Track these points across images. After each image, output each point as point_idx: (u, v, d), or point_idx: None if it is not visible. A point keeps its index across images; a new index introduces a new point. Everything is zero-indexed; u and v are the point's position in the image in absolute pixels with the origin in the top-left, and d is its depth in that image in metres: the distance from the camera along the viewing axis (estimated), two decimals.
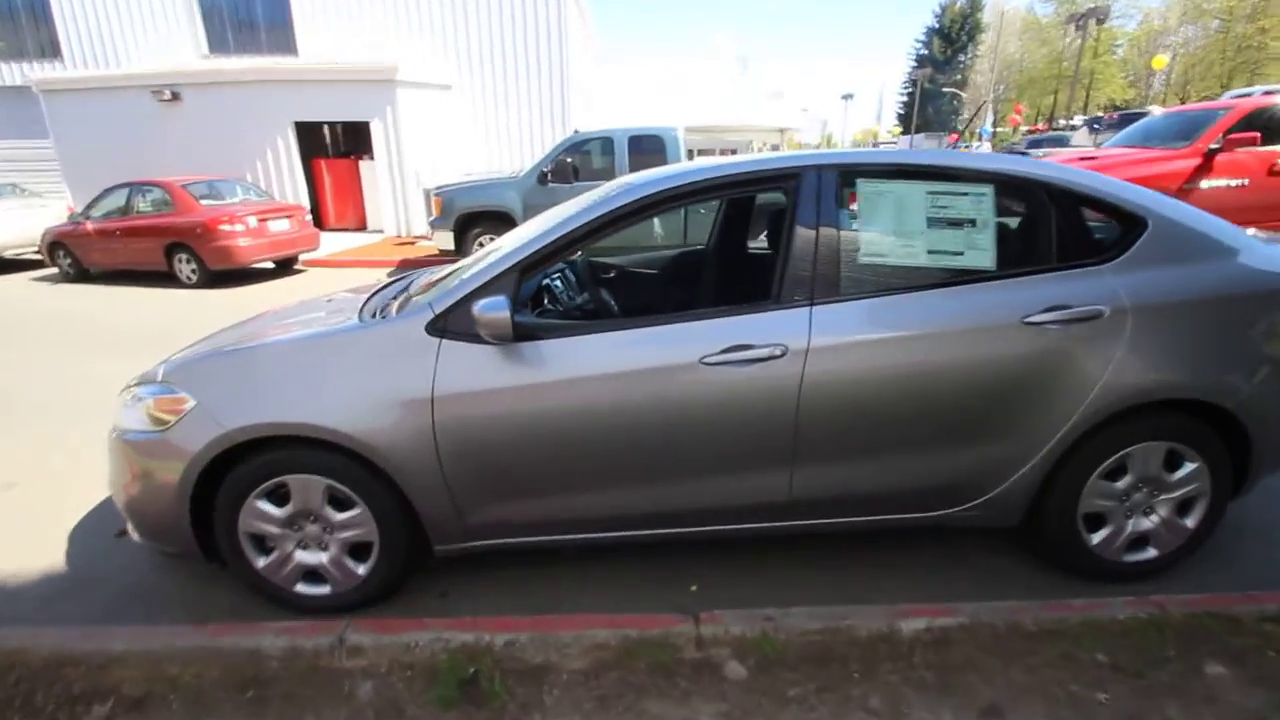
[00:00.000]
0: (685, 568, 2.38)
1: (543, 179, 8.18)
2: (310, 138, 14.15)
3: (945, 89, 47.83)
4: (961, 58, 52.10)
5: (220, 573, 2.20)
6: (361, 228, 14.21)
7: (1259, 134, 6.94)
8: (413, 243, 12.24)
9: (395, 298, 2.44)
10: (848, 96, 54.78)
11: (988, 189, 2.07)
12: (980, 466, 2.10)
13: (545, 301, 2.63)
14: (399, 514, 2.07)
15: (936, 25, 52.41)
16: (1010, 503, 2.15)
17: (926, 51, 52.60)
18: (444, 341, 1.96)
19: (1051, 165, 2.15)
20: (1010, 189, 2.11)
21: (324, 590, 2.17)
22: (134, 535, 2.21)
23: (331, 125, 15.11)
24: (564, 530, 2.15)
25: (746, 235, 3.40)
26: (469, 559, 2.23)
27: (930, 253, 2.04)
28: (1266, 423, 2.09)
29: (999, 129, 35.53)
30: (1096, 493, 2.15)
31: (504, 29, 14.47)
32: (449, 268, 2.59)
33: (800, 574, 2.34)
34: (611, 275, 3.41)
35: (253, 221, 8.71)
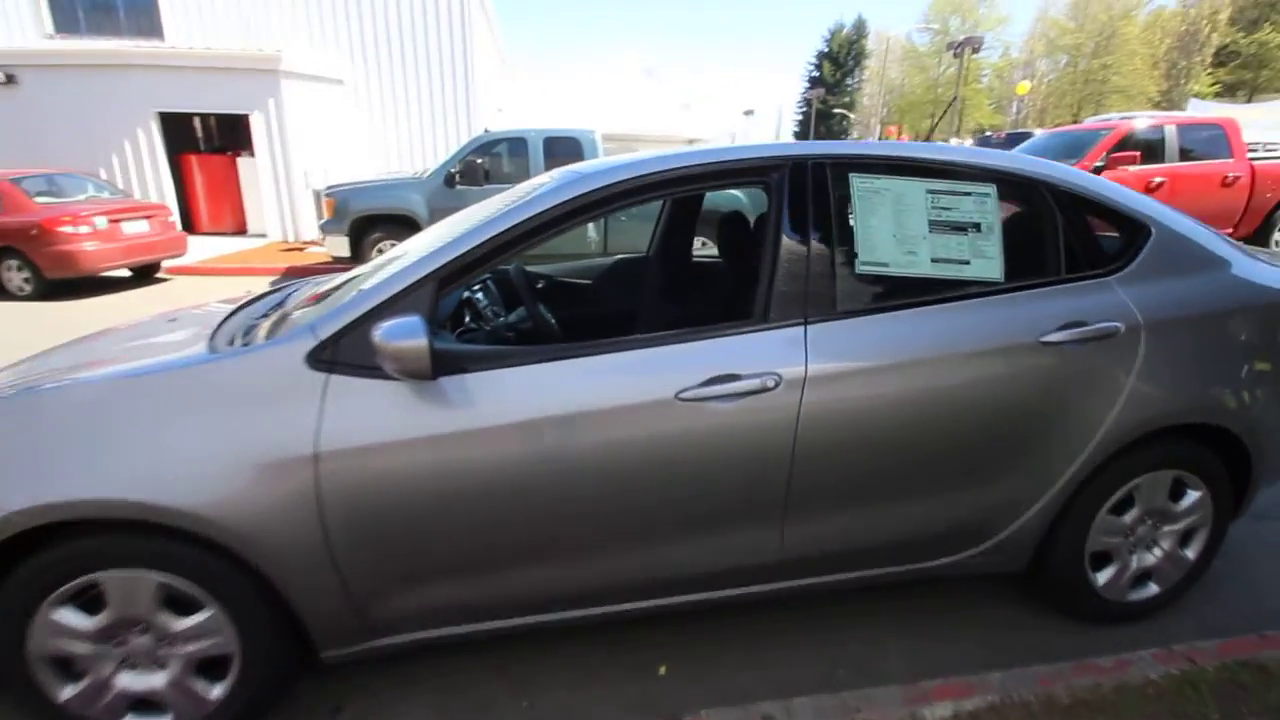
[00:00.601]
0: (648, 640, 1.96)
1: (450, 180, 7.52)
2: (179, 131, 12.62)
3: (836, 109, 50.40)
4: (849, 81, 55.13)
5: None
6: (241, 231, 12.80)
7: (1139, 153, 7.47)
8: (301, 249, 11.11)
9: (266, 315, 1.87)
10: (749, 112, 56.61)
11: (990, 189, 1.80)
12: (993, 506, 1.82)
13: (467, 319, 2.14)
14: (268, 614, 1.51)
15: (826, 49, 55.17)
16: (1021, 544, 1.89)
17: (818, 73, 55.23)
18: (332, 377, 1.44)
19: (1051, 164, 1.92)
20: (1013, 189, 1.86)
21: None
22: None
23: (204, 118, 13.57)
24: (501, 614, 1.67)
25: (692, 240, 3.05)
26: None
27: (935, 261, 1.74)
28: (1264, 444, 1.96)
29: None
30: (1104, 529, 1.93)
31: (403, 24, 13.57)
32: (341, 277, 2.05)
33: (785, 640, 1.98)
34: (540, 286, 2.95)
35: (101, 222, 7.47)
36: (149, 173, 12.06)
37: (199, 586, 1.47)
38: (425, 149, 13.93)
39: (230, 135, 13.09)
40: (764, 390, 1.56)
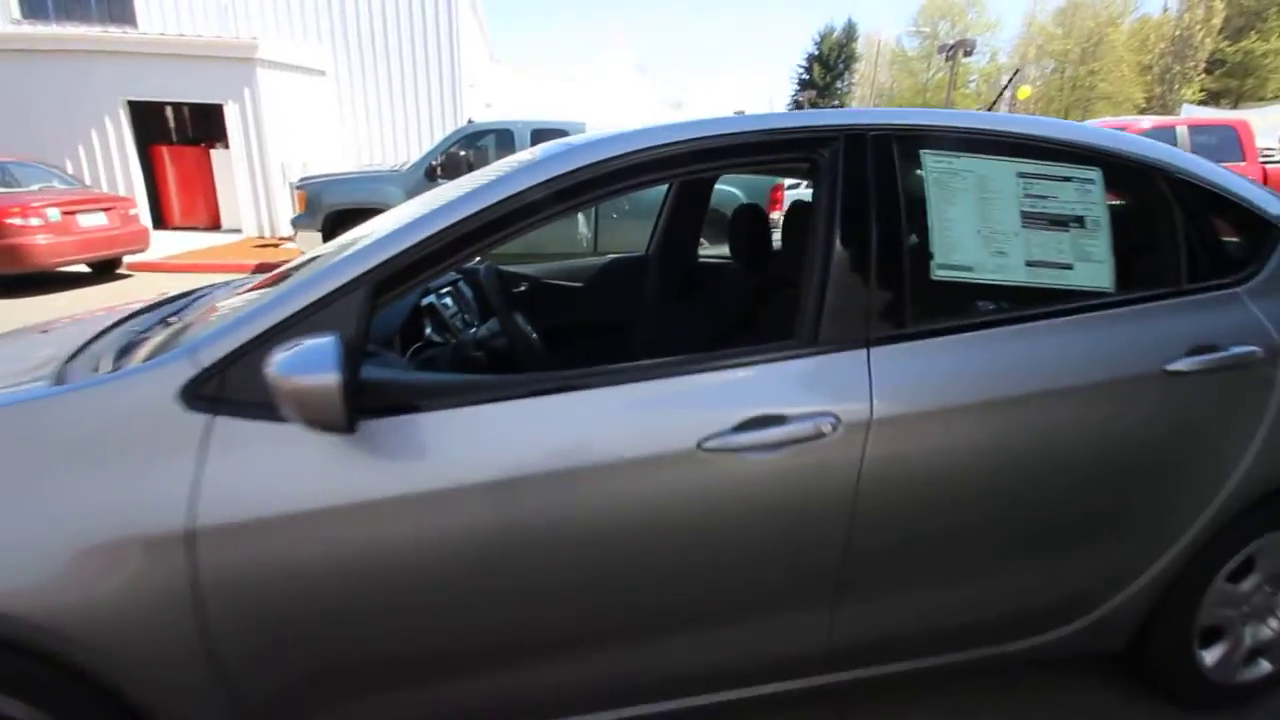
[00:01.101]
0: None
1: (431, 173, 7.07)
2: (150, 121, 12.05)
3: None
4: (839, 84, 55.01)
5: None
6: (215, 226, 12.27)
7: None
8: (277, 245, 10.62)
9: (164, 324, 1.45)
10: (740, 112, 56.23)
11: (1095, 173, 1.42)
12: (1095, 574, 1.44)
13: (428, 330, 1.72)
14: None
15: (816, 52, 55.04)
16: (1124, 619, 1.50)
17: (808, 76, 55.06)
18: (218, 421, 1.02)
19: (1162, 146, 1.55)
20: (1120, 174, 1.48)
21: None
22: None
23: (177, 107, 12.99)
24: None
25: (699, 237, 2.64)
26: None
27: (1030, 265, 1.35)
28: None
29: None
30: (1219, 599, 1.56)
31: (387, 15, 13.12)
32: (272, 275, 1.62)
33: None
34: (523, 289, 2.53)
35: (54, 214, 6.94)
36: (117, 164, 11.51)
37: (31, 706, 1.05)
38: (410, 143, 13.47)
39: (204, 126, 12.55)
40: (817, 437, 1.16)
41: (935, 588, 1.34)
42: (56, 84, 10.93)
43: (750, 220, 2.20)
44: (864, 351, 1.23)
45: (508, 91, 20.11)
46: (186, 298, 1.71)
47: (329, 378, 0.92)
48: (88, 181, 10.69)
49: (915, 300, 1.28)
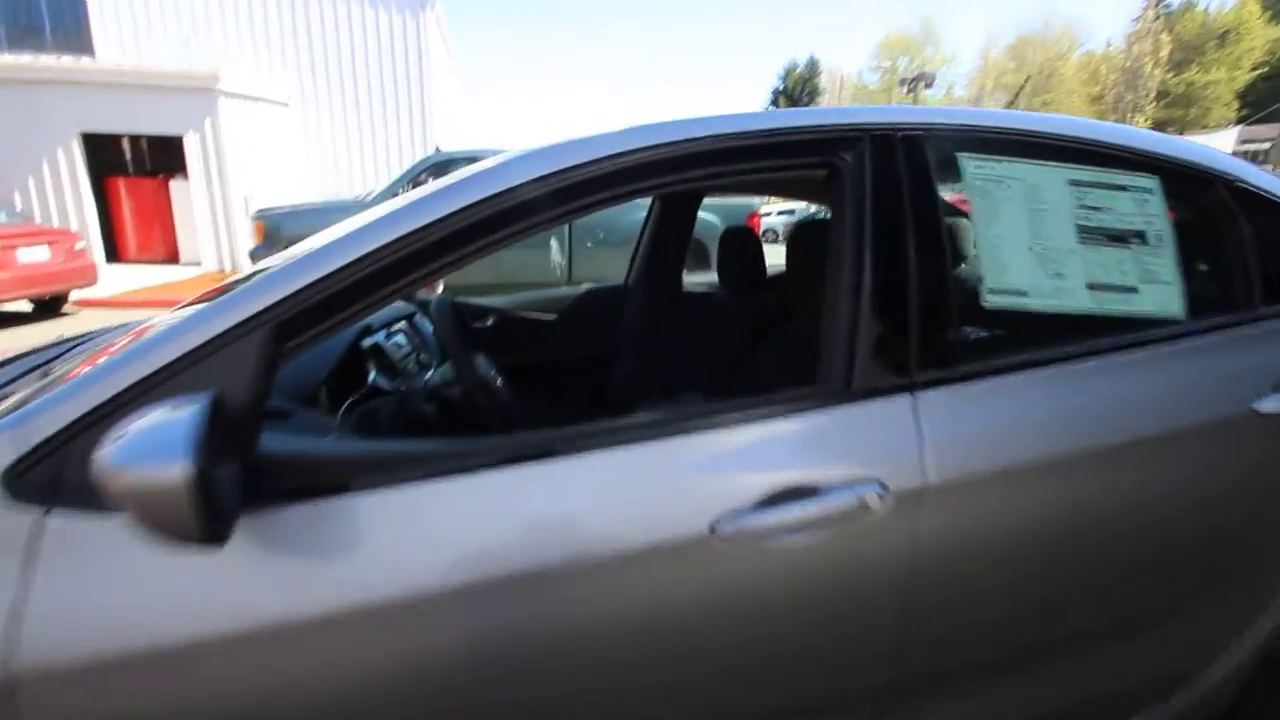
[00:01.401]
0: None
1: None
2: (106, 153, 11.64)
3: None
4: None
5: None
6: (173, 259, 11.82)
7: None
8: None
9: (40, 374, 1.16)
10: None
11: (1152, 182, 1.22)
12: (1187, 649, 1.21)
13: (372, 377, 1.44)
14: None
15: (781, 87, 56.60)
16: (1215, 696, 1.27)
17: (775, 109, 56.26)
18: (54, 516, 0.74)
19: (1215, 152, 1.36)
20: (1178, 183, 1.28)
21: None
22: None
23: (135, 139, 12.59)
24: None
25: (683, 261, 2.41)
26: None
27: (1091, 288, 1.14)
28: None
29: None
30: None
31: (355, 47, 12.97)
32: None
33: None
34: (488, 324, 2.26)
35: None
36: (69, 197, 11.04)
37: None
38: (379, 175, 13.22)
39: (163, 157, 12.16)
40: (861, 511, 0.92)
41: (1005, 682, 1.09)
42: (7, 115, 10.51)
43: (742, 243, 1.98)
44: (909, 399, 0.99)
45: (478, 116, 20.07)
46: (74, 342, 1.42)
47: (173, 470, 0.63)
48: (38, 215, 10.25)
49: (964, 334, 1.06)
